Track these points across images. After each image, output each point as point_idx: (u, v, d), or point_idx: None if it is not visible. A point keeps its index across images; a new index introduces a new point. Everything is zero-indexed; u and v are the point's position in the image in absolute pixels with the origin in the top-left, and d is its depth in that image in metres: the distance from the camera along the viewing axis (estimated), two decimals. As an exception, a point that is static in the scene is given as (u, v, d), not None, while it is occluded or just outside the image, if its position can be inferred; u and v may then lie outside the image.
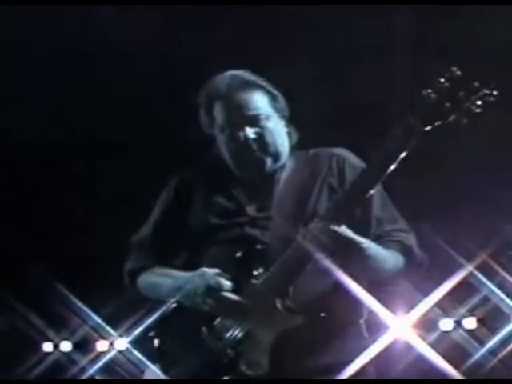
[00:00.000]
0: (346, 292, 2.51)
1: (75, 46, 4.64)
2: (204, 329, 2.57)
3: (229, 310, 2.51)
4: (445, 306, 5.12)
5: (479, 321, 5.28)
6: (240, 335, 2.52)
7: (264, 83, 2.74)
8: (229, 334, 2.53)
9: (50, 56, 4.69)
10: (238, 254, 2.57)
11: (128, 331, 6.05)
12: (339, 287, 2.51)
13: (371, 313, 2.70)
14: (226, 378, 2.50)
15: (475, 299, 5.13)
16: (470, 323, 5.30)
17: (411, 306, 4.86)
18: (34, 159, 5.22)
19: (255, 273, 2.54)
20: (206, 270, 2.57)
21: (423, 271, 2.66)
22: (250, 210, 2.70)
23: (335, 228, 2.37)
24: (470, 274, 4.68)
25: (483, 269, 4.78)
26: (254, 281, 2.53)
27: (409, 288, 4.63)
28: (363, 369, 2.58)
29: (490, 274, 4.87)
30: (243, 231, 2.65)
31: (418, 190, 4.58)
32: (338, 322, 2.56)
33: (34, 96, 4.82)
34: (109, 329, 6.17)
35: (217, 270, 2.54)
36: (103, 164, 5.15)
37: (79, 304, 5.90)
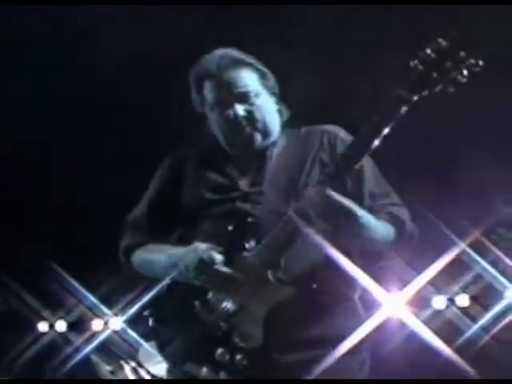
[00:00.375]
0: (338, 266, 2.53)
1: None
2: (197, 303, 2.60)
3: (221, 283, 2.54)
4: (438, 284, 5.14)
5: (472, 298, 5.30)
6: (232, 308, 2.54)
7: (253, 61, 2.77)
8: (221, 307, 2.56)
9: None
10: (230, 228, 2.60)
11: (123, 310, 6.07)
12: (331, 261, 2.53)
13: (366, 290, 2.72)
14: (219, 350, 2.51)
15: (468, 277, 5.14)
16: (463, 300, 5.32)
17: (404, 283, 4.88)
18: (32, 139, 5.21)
19: (247, 246, 2.57)
20: (198, 244, 2.59)
21: (413, 244, 2.68)
22: (242, 185, 2.73)
23: (330, 193, 2.38)
24: (463, 251, 4.70)
25: (476, 246, 4.79)
26: (245, 253, 2.56)
27: (402, 265, 4.67)
28: (358, 345, 2.60)
29: (483, 252, 4.89)
30: (234, 206, 2.69)
31: (410, 166, 4.58)
32: (330, 296, 2.58)
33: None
34: (104, 308, 6.19)
35: (209, 245, 2.56)
36: (97, 146, 5.15)
37: (74, 283, 5.92)
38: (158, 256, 2.74)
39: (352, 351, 2.59)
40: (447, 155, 4.66)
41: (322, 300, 2.55)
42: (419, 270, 4.69)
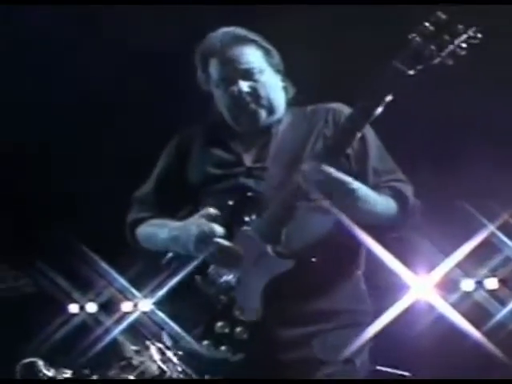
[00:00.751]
0: (340, 241, 2.53)
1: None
2: (198, 276, 2.61)
3: (221, 256, 2.55)
4: (466, 267, 5.13)
5: (501, 281, 5.29)
6: (233, 281, 2.55)
7: (257, 38, 2.77)
8: (222, 279, 2.57)
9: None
10: (230, 203, 2.61)
11: (152, 293, 6.11)
12: (332, 235, 2.53)
13: (371, 266, 2.70)
14: (220, 323, 2.53)
15: (497, 260, 5.13)
16: (492, 283, 5.31)
17: (433, 266, 4.87)
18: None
19: (247, 219, 2.57)
20: (199, 217, 2.60)
21: (416, 218, 2.66)
22: (247, 160, 2.74)
23: (325, 168, 2.38)
24: (492, 234, 4.68)
25: (505, 229, 4.78)
26: (245, 227, 2.57)
27: (430, 248, 4.66)
28: (358, 319, 2.60)
29: (512, 234, 4.87)
30: (237, 181, 2.70)
31: (439, 148, 4.56)
32: (331, 269, 2.57)
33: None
34: (133, 290, 6.24)
35: (211, 212, 2.56)
36: (121, 129, 5.18)
37: (104, 266, 5.97)
38: (160, 229, 2.76)
39: (355, 326, 2.59)
40: (480, 138, 4.62)
41: (322, 274, 2.54)
42: (448, 253, 4.69)
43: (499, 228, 4.70)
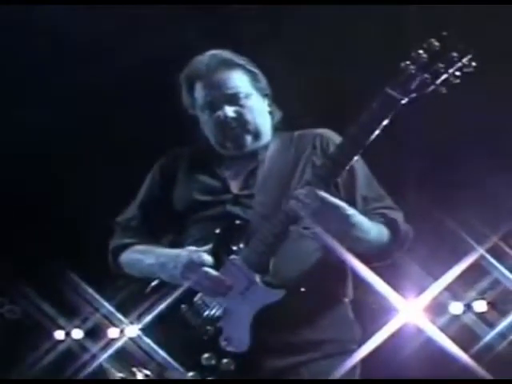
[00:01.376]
0: (328, 269, 2.51)
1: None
2: (184, 306, 2.58)
3: (209, 286, 2.51)
4: (455, 290, 5.12)
5: (489, 304, 5.28)
6: (219, 311, 2.52)
7: (243, 62, 2.75)
8: (208, 310, 2.54)
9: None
10: (217, 231, 2.58)
11: (139, 318, 6.07)
12: (320, 264, 2.51)
13: (359, 293, 2.69)
14: (206, 355, 2.49)
15: (485, 282, 5.12)
16: (481, 306, 5.30)
17: (421, 289, 4.86)
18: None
19: (235, 248, 2.54)
20: (189, 247, 2.58)
21: (407, 245, 2.64)
22: (233, 187, 2.72)
23: (320, 193, 2.36)
24: (481, 256, 4.67)
25: (493, 252, 4.77)
26: (233, 256, 2.54)
27: (419, 271, 4.65)
28: (349, 348, 2.58)
29: (500, 257, 4.86)
30: (224, 208, 2.67)
31: (427, 170, 4.55)
32: (319, 299, 2.55)
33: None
34: (120, 316, 6.19)
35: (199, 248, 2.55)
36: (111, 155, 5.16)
37: (90, 292, 5.92)
38: (146, 255, 2.73)
39: (342, 355, 2.57)
40: (468, 158, 4.62)
41: (310, 304, 2.51)
42: (436, 276, 4.67)
43: (488, 251, 4.69)
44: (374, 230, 2.52)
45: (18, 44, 4.64)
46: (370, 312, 3.56)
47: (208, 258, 2.52)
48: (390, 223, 2.58)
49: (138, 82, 4.75)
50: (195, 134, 2.84)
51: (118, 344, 6.06)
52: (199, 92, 2.74)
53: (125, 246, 2.82)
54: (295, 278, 2.51)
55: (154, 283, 2.68)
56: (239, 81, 2.72)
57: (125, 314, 6.07)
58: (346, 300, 2.69)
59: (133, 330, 6.15)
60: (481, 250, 4.62)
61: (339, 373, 2.52)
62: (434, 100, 2.31)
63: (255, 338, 2.45)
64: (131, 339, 6.03)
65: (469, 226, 4.54)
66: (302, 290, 2.46)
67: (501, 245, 4.76)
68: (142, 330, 2.65)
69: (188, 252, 2.55)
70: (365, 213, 2.54)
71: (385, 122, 2.33)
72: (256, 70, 2.76)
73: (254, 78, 2.75)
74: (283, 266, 2.50)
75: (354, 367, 2.59)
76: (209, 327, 2.53)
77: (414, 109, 2.32)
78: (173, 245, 2.72)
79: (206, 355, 2.50)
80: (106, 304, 6.04)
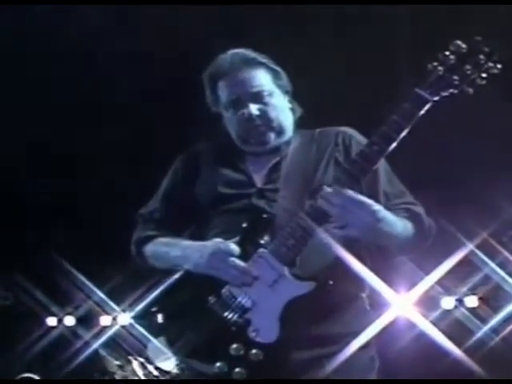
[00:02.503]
0: (350, 265, 2.54)
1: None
2: (211, 298, 2.59)
3: (235, 275, 2.53)
4: (446, 285, 5.15)
5: (480, 299, 5.31)
6: (248, 303, 2.54)
7: (266, 60, 2.78)
8: (237, 301, 2.56)
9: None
10: (244, 225, 2.60)
11: (131, 306, 6.10)
12: (344, 260, 2.53)
13: (373, 288, 2.73)
14: (234, 345, 2.51)
15: (477, 278, 5.15)
16: (472, 301, 5.33)
17: (413, 284, 4.89)
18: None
19: (261, 241, 2.56)
20: (215, 239, 2.59)
21: (431, 239, 2.68)
22: (258, 181, 2.73)
23: (347, 191, 2.39)
24: (472, 252, 4.70)
25: (485, 247, 4.80)
26: (261, 249, 2.56)
27: (411, 266, 4.67)
28: (368, 342, 2.61)
29: (492, 253, 4.89)
30: (250, 202, 2.68)
31: (418, 167, 4.57)
32: (343, 293, 2.58)
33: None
34: (112, 304, 6.22)
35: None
36: (111, 142, 5.17)
37: (83, 279, 5.95)
38: (171, 248, 2.74)
39: (362, 348, 2.60)
40: (457, 156, 4.65)
41: (335, 297, 2.55)
42: (428, 271, 4.70)
43: (479, 246, 4.72)
44: (399, 225, 2.55)
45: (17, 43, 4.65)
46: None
47: (235, 248, 2.54)
48: (415, 218, 2.61)
49: (158, 77, 4.76)
50: (216, 130, 2.85)
51: (111, 332, 6.14)
52: (223, 90, 2.76)
53: (148, 239, 2.84)
54: (322, 270, 2.53)
55: (178, 274, 2.70)
56: (263, 79, 2.75)
57: (118, 302, 6.12)
58: (364, 295, 2.72)
59: (125, 318, 6.20)
60: (472, 245, 4.65)
61: (359, 365, 2.56)
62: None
63: (284, 329, 2.47)
64: (123, 327, 6.08)
65: (460, 221, 4.57)
66: (331, 283, 2.50)
67: (491, 241, 4.79)
68: (166, 319, 2.65)
69: (214, 243, 2.57)
70: (388, 209, 2.57)
71: (413, 122, 2.37)
72: (278, 68, 2.79)
73: (276, 76, 2.78)
74: (310, 259, 2.53)
75: (372, 359, 2.63)
76: (237, 318, 2.55)
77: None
78: (195, 237, 2.73)
79: (234, 346, 2.52)
80: (99, 292, 6.08)
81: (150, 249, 2.81)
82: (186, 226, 2.83)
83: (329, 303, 2.53)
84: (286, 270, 2.50)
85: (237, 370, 2.50)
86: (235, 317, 2.54)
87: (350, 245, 2.55)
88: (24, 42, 4.60)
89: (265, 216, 2.62)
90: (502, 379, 4.49)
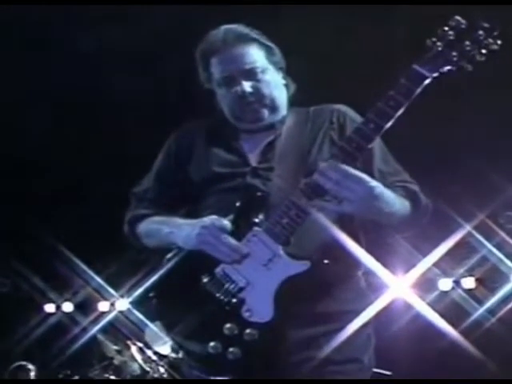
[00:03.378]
0: (346, 244, 2.53)
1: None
2: (204, 278, 2.59)
3: (225, 251, 2.52)
4: (444, 266, 5.16)
5: (477, 280, 5.32)
6: (242, 282, 2.53)
7: (258, 36, 2.75)
8: (230, 281, 2.55)
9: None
10: (238, 203, 2.59)
11: (129, 292, 6.11)
12: (339, 238, 2.53)
13: (370, 268, 2.73)
14: (228, 325, 2.51)
15: (474, 259, 5.16)
16: (469, 283, 5.35)
17: (410, 265, 4.89)
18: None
19: (256, 220, 2.55)
20: (209, 216, 2.58)
21: (428, 217, 2.67)
22: (252, 160, 2.72)
23: (344, 166, 2.38)
24: (469, 234, 4.71)
25: (482, 229, 4.80)
26: (255, 228, 2.55)
27: (408, 248, 4.68)
28: (364, 321, 2.61)
29: (489, 235, 4.90)
30: (245, 180, 2.66)
31: (415, 148, 4.57)
32: (339, 271, 2.58)
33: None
34: (110, 290, 6.23)
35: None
36: (106, 123, 5.15)
37: (81, 265, 5.95)
38: (165, 225, 2.72)
39: (360, 326, 2.60)
40: (455, 137, 4.65)
41: (331, 276, 2.54)
42: (425, 253, 4.71)
43: (476, 228, 4.72)
44: (396, 202, 2.53)
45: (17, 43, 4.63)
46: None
47: (228, 224, 2.52)
48: (411, 195, 2.60)
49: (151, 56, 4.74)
50: (209, 107, 2.83)
51: (109, 317, 6.15)
52: (216, 67, 2.73)
53: (141, 217, 2.81)
54: (317, 249, 2.52)
55: (170, 254, 2.69)
56: (256, 55, 2.71)
57: (116, 288, 6.13)
58: (360, 272, 2.72)
59: (123, 304, 6.19)
60: (469, 227, 4.66)
61: (356, 343, 2.56)
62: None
63: (278, 308, 2.47)
64: (121, 312, 6.07)
65: (457, 203, 4.57)
66: (326, 261, 2.49)
67: (489, 222, 4.80)
68: (156, 299, 2.65)
69: (208, 218, 2.56)
70: (384, 186, 2.57)
71: (411, 98, 2.35)
72: (271, 44, 2.76)
73: (269, 52, 2.75)
74: (305, 238, 2.51)
75: (369, 337, 2.63)
76: (231, 297, 2.55)
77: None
78: (189, 216, 2.72)
79: (228, 325, 2.52)
80: (97, 277, 6.08)
81: (143, 227, 2.79)
82: (180, 205, 2.80)
83: (324, 282, 2.52)
84: (280, 249, 2.49)
85: (231, 349, 2.49)
86: (229, 296, 2.54)
87: (346, 223, 2.54)
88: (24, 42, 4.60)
89: (259, 194, 2.60)
90: (502, 379, 4.50)
